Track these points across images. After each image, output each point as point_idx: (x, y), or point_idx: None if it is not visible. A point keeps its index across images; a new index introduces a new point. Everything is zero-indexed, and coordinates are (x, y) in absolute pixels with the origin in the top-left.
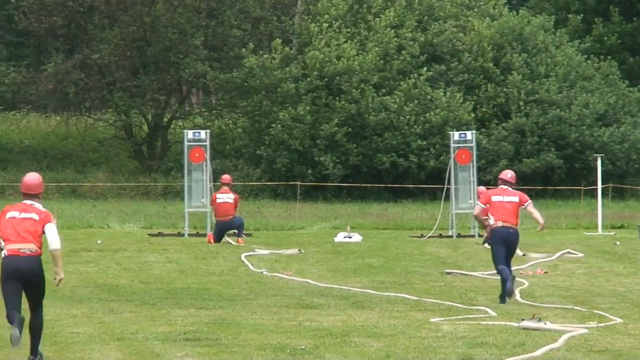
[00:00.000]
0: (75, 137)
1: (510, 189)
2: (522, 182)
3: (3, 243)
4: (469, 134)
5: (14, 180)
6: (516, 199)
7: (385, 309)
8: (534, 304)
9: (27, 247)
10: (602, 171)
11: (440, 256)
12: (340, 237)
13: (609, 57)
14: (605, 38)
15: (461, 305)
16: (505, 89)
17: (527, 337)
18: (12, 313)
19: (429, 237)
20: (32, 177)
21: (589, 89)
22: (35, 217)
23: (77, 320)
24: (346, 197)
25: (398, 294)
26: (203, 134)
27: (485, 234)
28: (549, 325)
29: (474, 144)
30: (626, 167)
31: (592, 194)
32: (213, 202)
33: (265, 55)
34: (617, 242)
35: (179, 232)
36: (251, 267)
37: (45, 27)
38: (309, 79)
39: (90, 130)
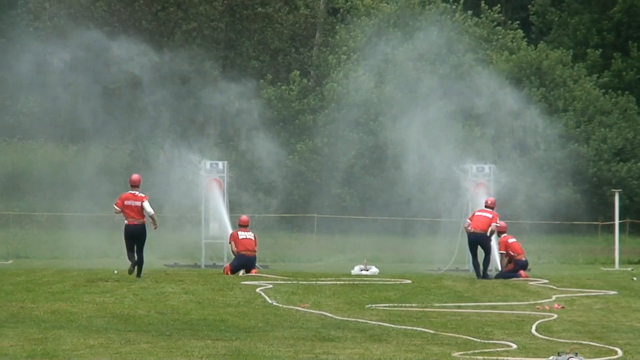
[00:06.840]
0: (92, 167)
1: None
2: (539, 216)
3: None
4: (487, 168)
5: (30, 209)
6: None
7: (402, 342)
8: (551, 338)
9: (139, 220)
10: (619, 206)
11: (457, 290)
12: (357, 269)
13: (627, 92)
14: (624, 73)
15: (478, 340)
16: (523, 123)
17: None
18: (131, 255)
19: (446, 270)
20: (136, 176)
21: (607, 123)
22: (139, 203)
23: (94, 350)
24: (363, 229)
25: (415, 328)
26: (221, 165)
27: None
28: None
29: (491, 177)
30: None
31: (610, 229)
32: (235, 238)
33: (283, 87)
34: (635, 278)
35: (196, 263)
36: (268, 299)
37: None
38: (326, 110)
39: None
